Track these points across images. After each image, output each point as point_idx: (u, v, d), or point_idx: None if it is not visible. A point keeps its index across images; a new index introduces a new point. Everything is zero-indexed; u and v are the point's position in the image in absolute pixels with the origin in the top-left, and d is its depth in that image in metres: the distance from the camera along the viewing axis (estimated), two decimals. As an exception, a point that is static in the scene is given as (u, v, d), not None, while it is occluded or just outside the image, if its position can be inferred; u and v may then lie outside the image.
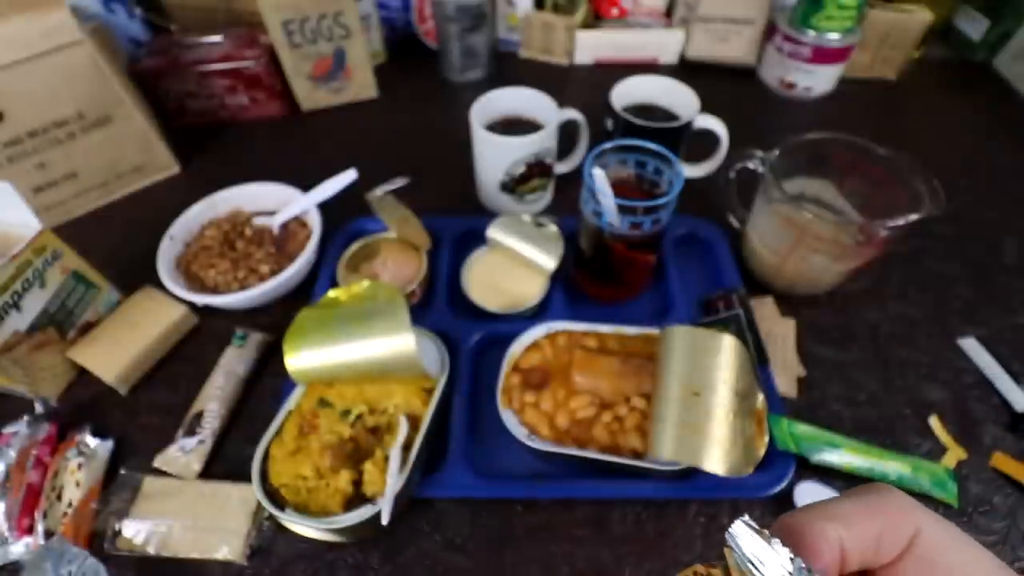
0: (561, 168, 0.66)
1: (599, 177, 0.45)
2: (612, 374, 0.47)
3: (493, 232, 0.55)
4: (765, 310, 0.55)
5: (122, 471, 0.46)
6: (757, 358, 0.48)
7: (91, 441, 0.47)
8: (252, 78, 0.74)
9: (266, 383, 0.52)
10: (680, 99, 0.62)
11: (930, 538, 0.16)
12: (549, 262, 0.53)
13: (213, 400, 0.48)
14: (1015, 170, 0.71)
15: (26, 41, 0.55)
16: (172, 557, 0.42)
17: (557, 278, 0.55)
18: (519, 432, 0.44)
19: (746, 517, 0.16)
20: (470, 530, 0.44)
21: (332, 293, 0.49)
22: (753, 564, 0.15)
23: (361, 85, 0.80)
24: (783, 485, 0.44)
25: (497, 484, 0.45)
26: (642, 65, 0.87)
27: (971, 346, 0.53)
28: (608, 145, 0.47)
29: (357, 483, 0.41)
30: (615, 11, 0.89)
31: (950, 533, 0.17)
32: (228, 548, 0.42)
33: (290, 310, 0.53)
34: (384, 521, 0.39)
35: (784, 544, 0.16)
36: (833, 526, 0.17)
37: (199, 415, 0.48)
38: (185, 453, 0.46)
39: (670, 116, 0.63)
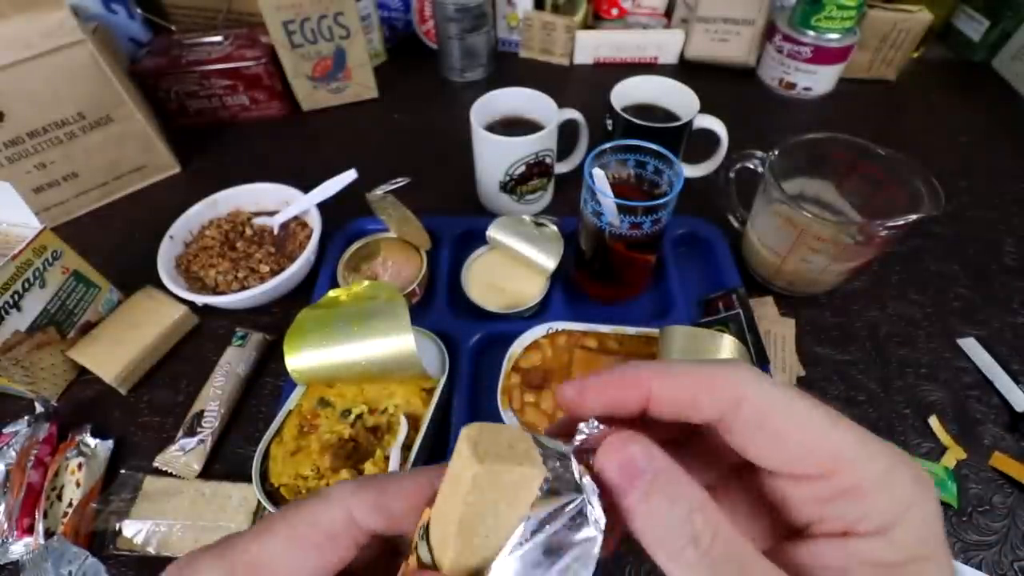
0: (561, 168, 0.66)
1: (599, 177, 0.46)
2: (612, 374, 0.47)
3: (493, 232, 0.55)
4: (765, 310, 0.55)
5: (122, 471, 0.46)
6: (757, 358, 0.48)
7: (91, 441, 0.47)
8: (252, 78, 0.74)
9: (266, 383, 0.52)
10: (680, 99, 0.62)
11: (755, 405, 0.17)
12: (549, 262, 0.53)
13: (213, 400, 0.48)
14: (1014, 170, 0.71)
15: (26, 41, 0.55)
16: (172, 557, 0.42)
17: (557, 278, 0.55)
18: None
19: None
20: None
21: (332, 293, 0.49)
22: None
23: (361, 85, 0.80)
24: (783, 485, 0.44)
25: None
26: (642, 65, 0.87)
27: (971, 346, 0.53)
28: (608, 145, 0.47)
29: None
30: (615, 11, 0.89)
31: (776, 400, 0.17)
32: (228, 548, 0.42)
33: (290, 310, 0.53)
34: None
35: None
36: (647, 372, 0.18)
37: (199, 415, 0.48)
38: (185, 453, 0.46)
39: (670, 116, 0.63)
